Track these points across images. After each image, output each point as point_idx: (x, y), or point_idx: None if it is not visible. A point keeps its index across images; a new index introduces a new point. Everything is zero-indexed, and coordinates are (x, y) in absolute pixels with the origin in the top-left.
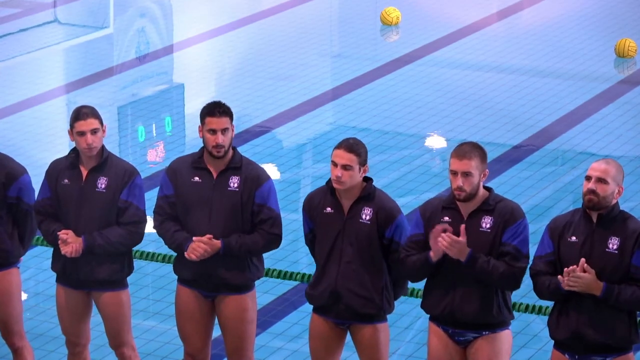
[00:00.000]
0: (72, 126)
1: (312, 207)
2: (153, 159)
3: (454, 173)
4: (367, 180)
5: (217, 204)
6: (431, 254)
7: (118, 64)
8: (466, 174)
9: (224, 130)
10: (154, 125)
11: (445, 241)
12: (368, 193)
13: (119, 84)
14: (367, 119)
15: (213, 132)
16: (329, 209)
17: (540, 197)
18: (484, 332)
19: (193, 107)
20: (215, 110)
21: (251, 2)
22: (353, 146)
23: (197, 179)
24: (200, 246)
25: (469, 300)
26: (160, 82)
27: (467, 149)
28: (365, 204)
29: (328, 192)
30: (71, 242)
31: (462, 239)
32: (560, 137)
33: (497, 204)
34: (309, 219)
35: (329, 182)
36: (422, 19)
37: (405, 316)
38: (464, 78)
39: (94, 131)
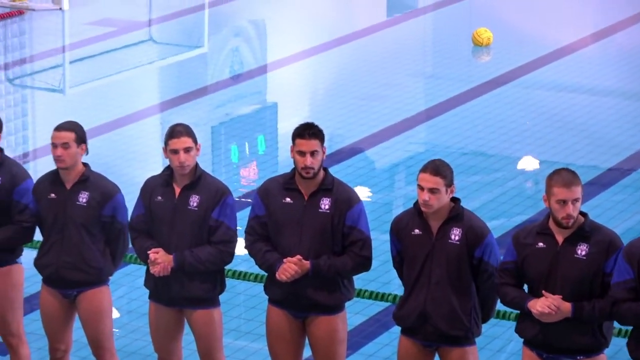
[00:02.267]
0: (166, 144)
1: (400, 229)
2: (246, 178)
3: (563, 202)
4: (455, 200)
5: (308, 225)
6: (530, 308)
7: (212, 83)
8: (575, 201)
9: (313, 153)
10: (247, 144)
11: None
12: (457, 213)
13: (212, 103)
14: (459, 140)
15: (302, 154)
16: (417, 231)
17: (634, 221)
18: (578, 357)
19: (286, 126)
20: (305, 132)
21: (345, 23)
22: (439, 168)
23: (288, 199)
24: (290, 267)
25: (563, 325)
26: (253, 102)
27: (571, 176)
28: (454, 225)
29: (416, 213)
30: (160, 262)
31: (557, 312)
32: None
33: (594, 231)
34: (397, 241)
35: (417, 203)
36: (514, 40)
37: (497, 339)
38: (557, 100)
39: (187, 149)
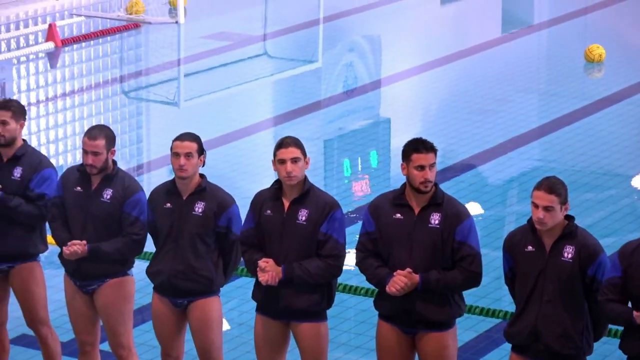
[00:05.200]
0: (274, 155)
1: (513, 246)
2: (358, 193)
3: None
4: (569, 217)
5: (418, 240)
6: (635, 315)
7: (326, 97)
8: None
9: (431, 166)
10: (359, 159)
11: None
12: (570, 231)
13: (326, 118)
14: (573, 157)
15: (421, 168)
16: (530, 247)
17: None
18: None
19: (399, 142)
20: (421, 146)
21: (460, 39)
22: (553, 186)
23: (398, 215)
24: (400, 279)
25: None
26: (366, 117)
27: None
28: (567, 242)
29: (529, 230)
30: (269, 271)
31: None
32: None
33: None
34: (510, 257)
35: (531, 220)
36: (628, 56)
37: (608, 357)
38: None
39: (294, 160)
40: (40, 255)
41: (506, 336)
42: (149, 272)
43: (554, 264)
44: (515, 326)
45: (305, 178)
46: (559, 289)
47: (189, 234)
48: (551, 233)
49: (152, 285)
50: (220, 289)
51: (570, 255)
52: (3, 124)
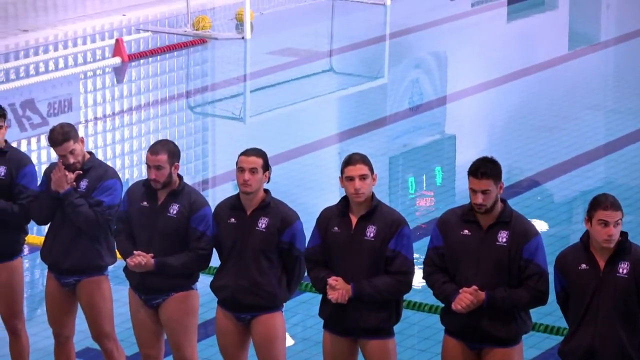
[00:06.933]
0: (342, 171)
1: (566, 265)
2: (422, 210)
3: None
4: (622, 234)
5: (485, 257)
6: None
7: (391, 113)
8: None
9: (484, 192)
10: (424, 176)
11: None
12: (624, 247)
13: (391, 134)
14: (639, 175)
15: (473, 192)
16: (584, 266)
17: None
18: None
19: (464, 158)
20: (477, 171)
21: (526, 55)
22: (616, 202)
23: (466, 231)
24: (466, 297)
25: None
26: (432, 133)
27: None
28: (621, 258)
29: (582, 248)
30: (339, 289)
31: None
32: None
33: None
34: (562, 276)
35: (584, 238)
36: None
37: None
38: None
39: (362, 177)
40: (109, 268)
41: (560, 355)
42: (213, 286)
43: (609, 280)
44: (570, 344)
45: (373, 194)
46: (615, 306)
47: (252, 250)
48: (606, 250)
49: (217, 299)
50: (284, 304)
51: (625, 271)
52: (72, 153)
